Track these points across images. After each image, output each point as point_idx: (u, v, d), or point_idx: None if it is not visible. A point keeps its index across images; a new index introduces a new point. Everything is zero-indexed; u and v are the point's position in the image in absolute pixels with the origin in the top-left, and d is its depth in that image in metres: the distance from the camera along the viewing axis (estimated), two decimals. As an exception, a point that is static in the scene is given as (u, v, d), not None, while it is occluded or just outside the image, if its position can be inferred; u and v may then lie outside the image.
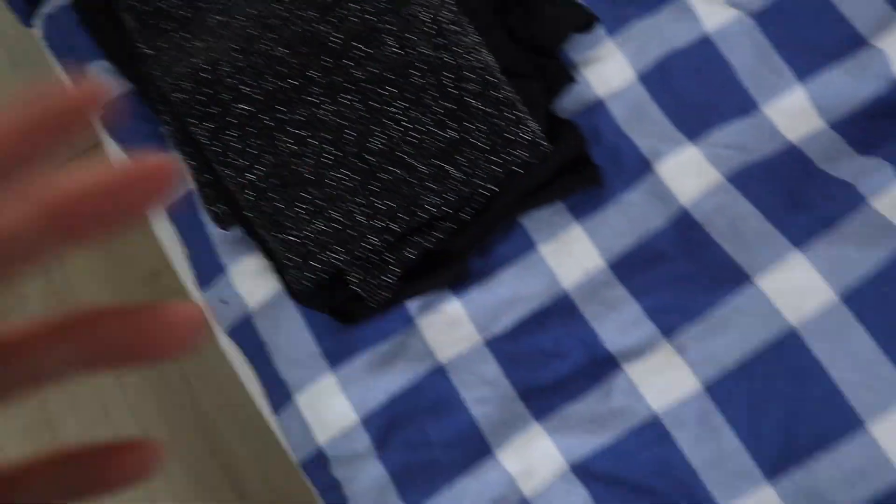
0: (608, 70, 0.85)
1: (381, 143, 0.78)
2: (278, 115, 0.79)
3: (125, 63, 0.88)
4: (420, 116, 0.78)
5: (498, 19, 0.83)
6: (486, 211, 0.81)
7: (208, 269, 0.84)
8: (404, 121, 0.78)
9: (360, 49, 0.79)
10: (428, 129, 0.78)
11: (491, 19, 0.82)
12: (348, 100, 0.79)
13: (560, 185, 0.82)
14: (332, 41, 0.79)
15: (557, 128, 0.83)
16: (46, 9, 0.93)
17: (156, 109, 0.85)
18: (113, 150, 0.92)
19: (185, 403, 1.60)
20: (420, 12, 0.79)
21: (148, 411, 1.61)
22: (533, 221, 0.83)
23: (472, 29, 0.79)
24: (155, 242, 1.71)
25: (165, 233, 0.91)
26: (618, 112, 0.84)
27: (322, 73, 0.79)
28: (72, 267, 1.75)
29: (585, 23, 0.85)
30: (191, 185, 0.85)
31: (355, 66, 0.79)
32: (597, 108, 0.85)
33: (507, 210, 0.81)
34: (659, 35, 0.85)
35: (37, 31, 0.97)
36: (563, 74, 0.83)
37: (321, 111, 0.79)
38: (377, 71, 0.78)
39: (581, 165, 0.83)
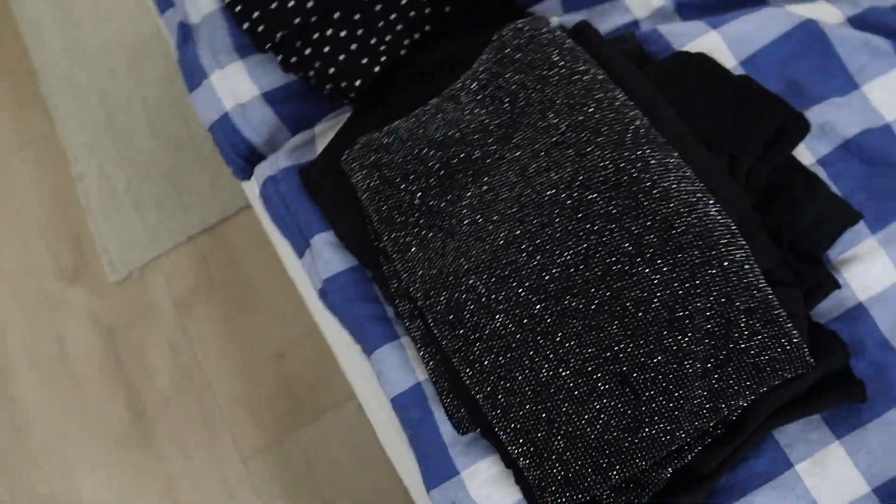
0: (870, 272, 0.80)
1: (643, 367, 0.73)
2: (534, 333, 0.74)
3: (354, 241, 0.84)
4: (686, 337, 0.73)
5: (760, 220, 0.78)
6: (739, 426, 0.76)
7: (439, 471, 0.80)
8: (668, 342, 0.73)
9: (625, 268, 0.74)
10: (692, 349, 0.73)
11: (756, 224, 0.77)
12: (608, 318, 0.74)
13: (818, 400, 0.77)
14: (598, 254, 0.74)
15: (817, 338, 0.78)
16: (268, 171, 0.90)
17: (392, 301, 0.81)
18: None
19: (309, 492, 1.59)
20: (694, 225, 0.73)
21: (272, 494, 1.60)
22: (786, 436, 0.78)
23: (743, 241, 0.74)
24: (282, 324, 1.69)
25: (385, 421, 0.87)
26: (882, 320, 0.79)
27: (583, 286, 0.74)
28: (199, 342, 1.74)
29: (850, 221, 0.80)
30: (425, 378, 0.81)
31: (619, 282, 0.74)
32: (858, 314, 0.79)
33: (760, 426, 0.76)
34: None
35: (249, 186, 0.93)
36: (828, 282, 0.78)
37: (580, 326, 0.74)
38: (643, 292, 0.73)
39: (841, 378, 0.78)
